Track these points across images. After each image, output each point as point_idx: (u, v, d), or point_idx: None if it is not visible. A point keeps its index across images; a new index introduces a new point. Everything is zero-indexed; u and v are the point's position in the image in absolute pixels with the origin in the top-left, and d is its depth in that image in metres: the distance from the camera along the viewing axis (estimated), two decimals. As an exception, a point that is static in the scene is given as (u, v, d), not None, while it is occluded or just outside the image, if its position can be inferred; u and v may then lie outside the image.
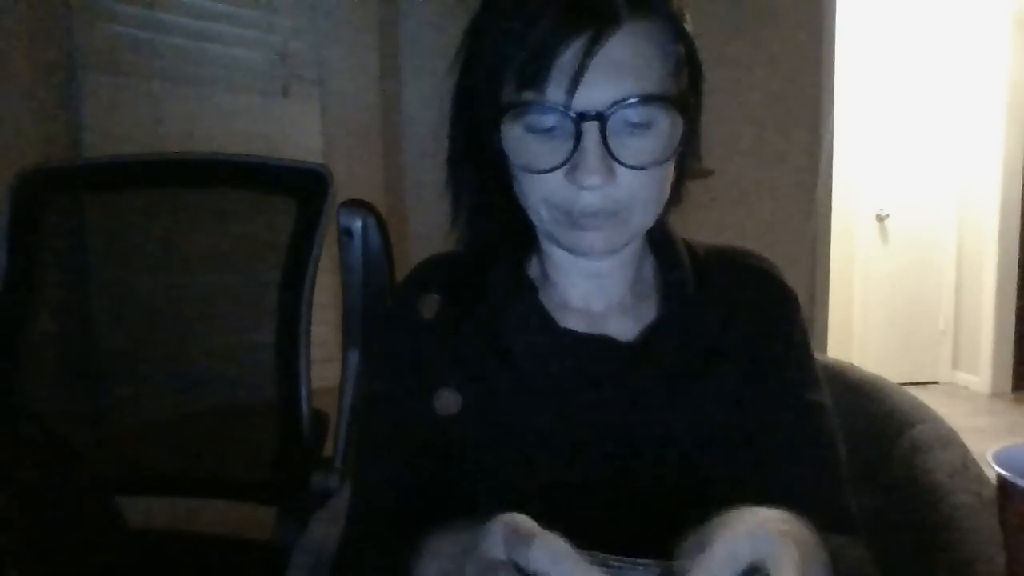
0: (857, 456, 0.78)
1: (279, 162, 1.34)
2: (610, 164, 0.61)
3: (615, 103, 0.60)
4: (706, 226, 0.76)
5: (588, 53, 0.59)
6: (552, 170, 0.61)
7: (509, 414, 0.67)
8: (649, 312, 0.71)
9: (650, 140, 0.62)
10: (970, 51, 4.71)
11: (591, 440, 0.67)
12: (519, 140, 0.62)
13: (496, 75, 0.62)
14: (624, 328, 0.70)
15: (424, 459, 0.69)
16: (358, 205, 1.21)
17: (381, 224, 1.21)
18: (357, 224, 1.19)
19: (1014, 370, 4.74)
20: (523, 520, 0.46)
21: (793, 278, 0.77)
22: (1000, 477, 0.53)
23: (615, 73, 0.60)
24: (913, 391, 0.95)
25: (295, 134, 2.10)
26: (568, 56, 0.59)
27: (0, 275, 1.30)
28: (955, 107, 4.82)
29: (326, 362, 1.38)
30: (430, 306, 0.72)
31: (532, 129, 0.62)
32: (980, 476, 0.84)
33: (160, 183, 1.36)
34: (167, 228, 1.37)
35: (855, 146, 4.78)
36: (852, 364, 1.00)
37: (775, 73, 2.68)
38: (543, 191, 0.63)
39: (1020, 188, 4.61)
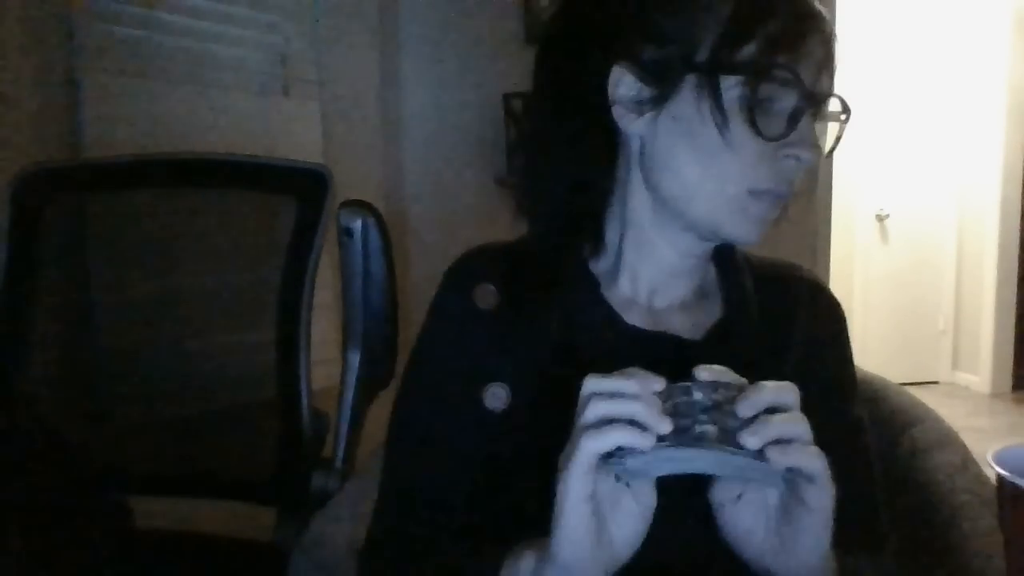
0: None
1: (279, 162, 1.35)
2: None
3: (827, 94, 0.65)
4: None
5: (833, 38, 0.64)
6: (776, 139, 0.62)
7: (563, 411, 0.67)
8: (710, 313, 0.71)
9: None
10: (970, 51, 4.71)
11: None
12: (748, 101, 0.62)
13: (742, 30, 0.61)
14: (686, 327, 0.70)
15: (468, 454, 0.68)
16: (358, 205, 1.21)
17: (381, 224, 1.21)
18: (357, 224, 1.19)
19: (1014, 370, 4.74)
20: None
21: (793, 278, 0.77)
22: (1000, 477, 0.53)
23: (830, 67, 0.65)
24: (913, 391, 0.95)
25: (295, 134, 2.10)
26: (811, 38, 0.62)
27: (0, 275, 1.30)
28: (955, 107, 4.82)
29: (326, 362, 1.38)
30: (487, 297, 0.70)
31: (759, 94, 0.62)
32: (980, 476, 0.84)
33: (160, 183, 1.36)
34: (167, 228, 1.37)
35: (855, 146, 4.77)
36: (852, 364, 1.00)
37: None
38: (742, 163, 0.63)
39: (1020, 188, 4.61)
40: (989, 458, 0.54)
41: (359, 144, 2.27)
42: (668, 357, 0.67)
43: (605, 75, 0.65)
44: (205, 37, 1.91)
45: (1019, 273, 4.67)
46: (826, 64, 0.64)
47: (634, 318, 0.70)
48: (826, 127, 0.67)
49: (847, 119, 0.67)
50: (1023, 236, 4.65)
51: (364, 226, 1.19)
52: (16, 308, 1.32)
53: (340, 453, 1.22)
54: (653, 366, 0.66)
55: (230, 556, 1.27)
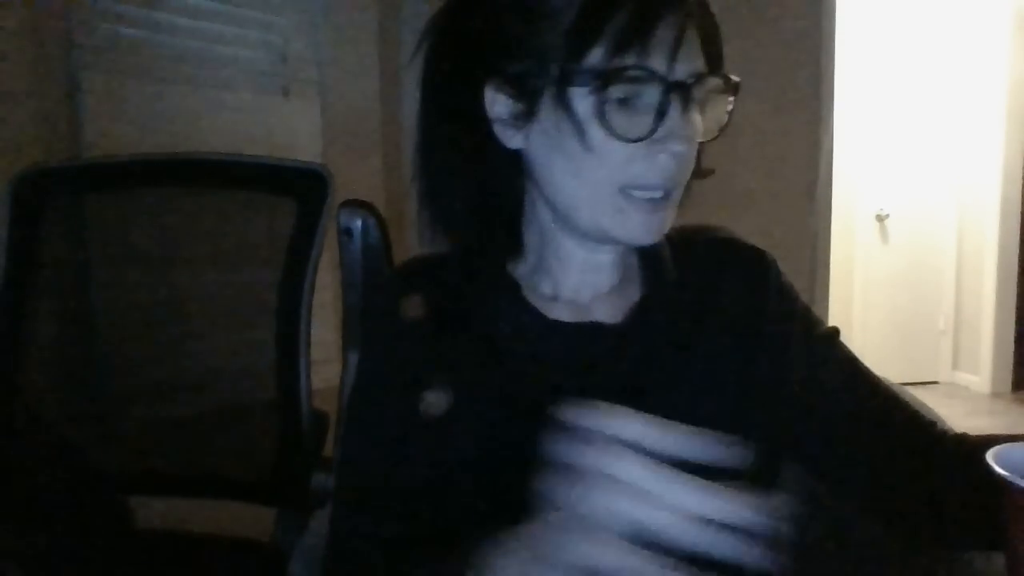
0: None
1: (279, 162, 1.34)
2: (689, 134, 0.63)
3: (697, 76, 0.62)
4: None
5: (686, 24, 0.61)
6: (641, 139, 0.61)
7: (498, 411, 0.67)
8: (633, 296, 0.72)
9: (707, 117, 0.65)
10: (970, 51, 4.71)
11: None
12: (599, 109, 0.60)
13: (583, 37, 0.60)
14: (611, 314, 0.71)
15: (411, 464, 0.68)
16: (358, 205, 1.20)
17: (381, 224, 1.21)
18: (357, 224, 1.19)
19: (1014, 370, 4.74)
20: None
21: (793, 278, 0.77)
22: (1000, 477, 0.53)
23: (695, 47, 0.62)
24: (913, 391, 0.95)
25: (295, 134, 2.10)
26: (663, 26, 0.60)
27: (0, 275, 1.30)
28: (955, 107, 4.82)
29: (326, 362, 1.38)
30: (414, 307, 0.71)
31: (610, 98, 0.60)
32: (980, 476, 0.83)
33: (160, 183, 1.36)
34: (167, 228, 1.37)
35: (855, 146, 4.78)
36: (852, 364, 1.00)
37: (774, 74, 2.68)
38: (612, 167, 0.62)
39: (1020, 188, 4.61)
40: (989, 458, 0.54)
41: (359, 144, 2.27)
42: (591, 344, 0.69)
43: (481, 94, 0.65)
44: (205, 37, 1.91)
45: (1019, 273, 4.67)
46: (689, 47, 0.61)
47: (558, 313, 0.70)
48: (721, 107, 0.65)
49: (734, 95, 0.65)
50: (1023, 236, 4.65)
51: (364, 226, 1.19)
52: (16, 308, 1.32)
53: (340, 453, 1.22)
54: (577, 354, 0.68)
55: (230, 556, 1.28)
